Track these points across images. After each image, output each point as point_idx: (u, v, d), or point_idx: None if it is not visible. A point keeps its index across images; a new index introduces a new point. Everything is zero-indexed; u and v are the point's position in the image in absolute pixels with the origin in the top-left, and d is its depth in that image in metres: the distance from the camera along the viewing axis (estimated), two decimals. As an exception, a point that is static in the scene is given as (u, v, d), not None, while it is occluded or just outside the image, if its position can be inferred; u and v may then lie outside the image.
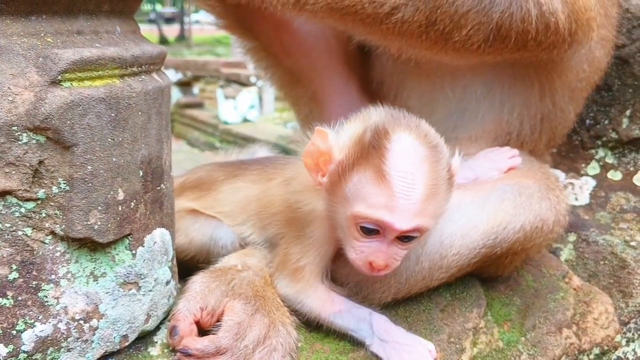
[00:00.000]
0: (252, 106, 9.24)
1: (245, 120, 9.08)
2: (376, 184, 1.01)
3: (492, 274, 1.44)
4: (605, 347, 1.48)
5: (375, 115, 1.10)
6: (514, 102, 1.48)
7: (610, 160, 1.88)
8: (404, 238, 1.06)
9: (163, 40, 20.60)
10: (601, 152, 1.89)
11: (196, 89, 10.98)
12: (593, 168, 1.89)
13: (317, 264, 1.18)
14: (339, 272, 1.23)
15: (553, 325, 1.42)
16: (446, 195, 1.08)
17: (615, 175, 1.87)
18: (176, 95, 10.29)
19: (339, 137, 1.10)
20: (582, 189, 1.87)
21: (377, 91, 1.66)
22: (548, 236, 1.36)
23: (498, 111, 1.49)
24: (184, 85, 10.78)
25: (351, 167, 1.05)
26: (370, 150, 1.03)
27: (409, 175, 1.01)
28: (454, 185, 1.11)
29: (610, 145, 1.87)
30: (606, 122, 1.87)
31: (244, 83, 9.53)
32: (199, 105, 10.31)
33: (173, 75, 10.32)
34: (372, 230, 1.04)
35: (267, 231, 1.28)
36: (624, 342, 1.58)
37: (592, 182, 1.87)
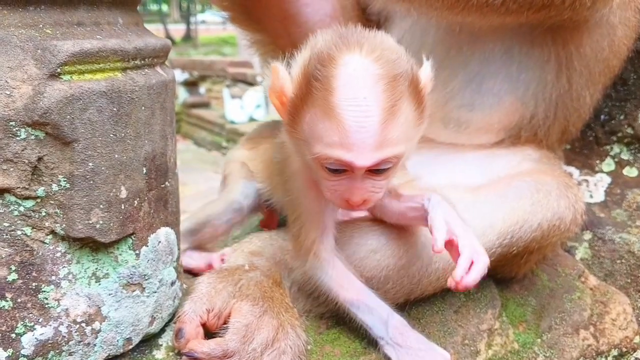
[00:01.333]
0: (258, 105, 9.21)
1: (252, 120, 9.04)
2: (327, 120, 0.91)
3: (507, 274, 1.40)
4: (624, 349, 1.44)
5: (321, 39, 0.97)
6: (530, 77, 1.42)
7: (625, 156, 1.83)
8: (377, 170, 0.96)
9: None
10: (616, 148, 1.84)
11: (202, 88, 10.96)
12: (608, 164, 1.84)
13: (323, 235, 1.12)
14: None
15: (570, 327, 1.38)
16: (414, 113, 0.95)
17: (631, 172, 1.81)
18: (183, 95, 10.28)
19: (291, 71, 0.99)
20: (596, 186, 1.82)
21: None
22: (564, 235, 1.32)
23: (514, 84, 1.43)
24: (191, 85, 10.76)
25: (301, 103, 0.95)
26: (315, 83, 0.92)
27: (360, 102, 0.89)
28: (425, 99, 0.98)
29: (625, 141, 1.82)
30: (621, 117, 1.82)
31: (250, 82, 9.50)
32: (205, 105, 10.30)
33: (179, 75, 10.29)
34: (338, 169, 0.95)
35: (277, 196, 1.27)
36: (642, 344, 1.53)
37: (607, 179, 1.82)
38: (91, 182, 0.91)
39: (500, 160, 1.41)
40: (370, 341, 1.17)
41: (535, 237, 1.23)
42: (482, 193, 1.24)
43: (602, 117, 1.85)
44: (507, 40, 1.41)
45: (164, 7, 33.11)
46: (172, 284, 1.11)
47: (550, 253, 1.47)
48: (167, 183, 1.07)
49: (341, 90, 0.89)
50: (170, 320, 1.14)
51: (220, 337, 1.03)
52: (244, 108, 9.16)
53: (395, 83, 0.90)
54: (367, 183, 0.97)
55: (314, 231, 1.11)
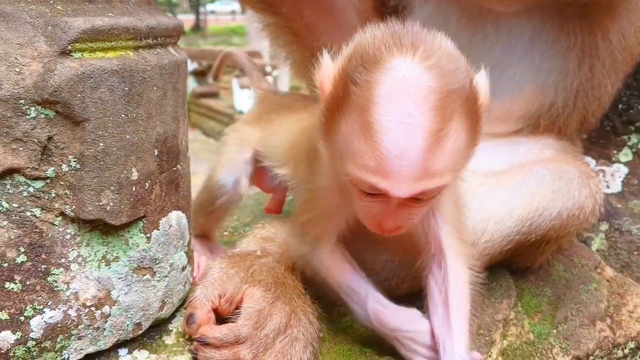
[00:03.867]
0: (267, 96, 9.17)
1: (261, 110, 9.02)
2: (363, 138, 0.78)
3: (523, 264, 1.37)
4: (641, 342, 1.41)
5: (370, 34, 0.83)
6: (552, 65, 1.39)
7: (643, 146, 1.80)
8: (416, 199, 0.83)
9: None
10: (634, 138, 1.80)
11: (211, 78, 10.94)
12: (625, 155, 1.81)
13: (332, 232, 1.05)
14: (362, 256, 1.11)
15: (586, 318, 1.35)
16: (466, 137, 0.81)
17: (649, 162, 1.78)
18: (191, 84, 10.25)
19: (333, 65, 0.86)
20: (613, 177, 1.79)
21: None
22: (582, 225, 1.29)
23: (536, 72, 1.40)
24: (200, 74, 10.74)
25: (337, 109, 0.82)
26: (353, 87, 0.78)
27: (403, 119, 0.74)
28: (482, 119, 0.84)
29: (643, 131, 1.79)
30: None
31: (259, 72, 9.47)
32: (214, 95, 10.29)
33: (188, 65, 10.26)
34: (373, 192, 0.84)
35: (297, 177, 1.18)
36: (659, 337, 1.50)
37: (625, 170, 1.79)
38: (102, 162, 0.89)
39: (521, 148, 1.38)
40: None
41: (554, 225, 1.20)
42: (502, 179, 1.21)
43: (620, 106, 1.81)
44: (532, 27, 1.37)
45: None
46: (183, 268, 1.09)
47: (566, 244, 1.44)
48: (178, 166, 1.05)
49: (383, 100, 0.76)
50: (180, 306, 1.12)
51: (232, 322, 1.01)
52: (253, 98, 9.13)
53: (448, 100, 0.77)
54: (403, 211, 0.86)
55: (324, 227, 1.05)
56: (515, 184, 1.22)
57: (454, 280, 1.02)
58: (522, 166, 1.27)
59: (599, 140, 1.85)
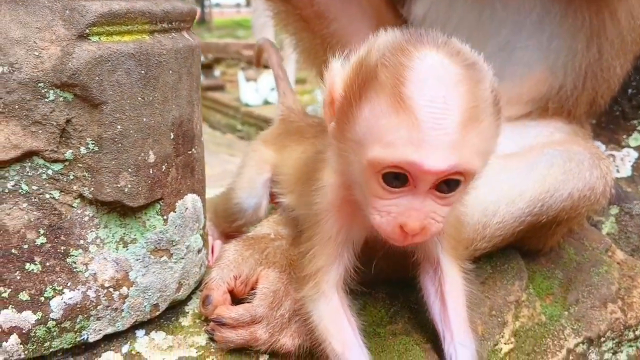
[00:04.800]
0: (273, 88, 9.16)
1: (267, 103, 9.01)
2: (394, 114, 0.75)
3: (534, 247, 1.38)
4: (652, 323, 1.42)
5: (384, 37, 0.84)
6: (561, 45, 1.38)
7: (653, 130, 1.80)
8: (443, 187, 0.80)
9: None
10: (644, 123, 1.81)
11: (217, 71, 10.94)
12: (635, 139, 1.81)
13: (332, 266, 0.97)
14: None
15: (597, 300, 1.36)
16: (492, 125, 0.81)
17: (658, 147, 1.79)
18: (197, 78, 10.23)
19: (343, 67, 0.86)
20: (623, 161, 1.79)
21: None
22: (593, 207, 1.29)
23: (544, 53, 1.39)
24: (205, 67, 10.72)
25: (358, 97, 0.80)
26: (381, 72, 0.78)
27: (439, 99, 0.74)
28: (502, 115, 0.84)
29: (653, 115, 1.79)
30: (649, 91, 1.79)
31: (265, 65, 9.46)
32: (220, 88, 10.27)
33: (194, 58, 10.24)
34: (398, 179, 0.79)
35: (299, 207, 1.14)
36: (670, 319, 1.51)
37: (634, 154, 1.79)
38: (119, 145, 0.90)
39: (531, 131, 1.38)
40: (396, 311, 1.16)
41: (565, 206, 1.21)
42: (513, 160, 1.22)
43: (630, 90, 1.81)
44: (541, 4, 1.37)
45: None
46: (199, 251, 1.10)
47: (577, 226, 1.44)
48: (193, 150, 1.06)
49: (416, 83, 0.75)
50: (196, 288, 1.13)
51: (248, 302, 1.02)
52: (259, 91, 9.12)
53: (477, 88, 0.78)
54: (428, 205, 0.80)
55: (324, 259, 0.96)
56: (526, 165, 1.22)
57: (450, 279, 1.02)
58: (533, 148, 1.28)
59: (608, 125, 1.85)
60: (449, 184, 0.79)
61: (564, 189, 1.20)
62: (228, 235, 1.34)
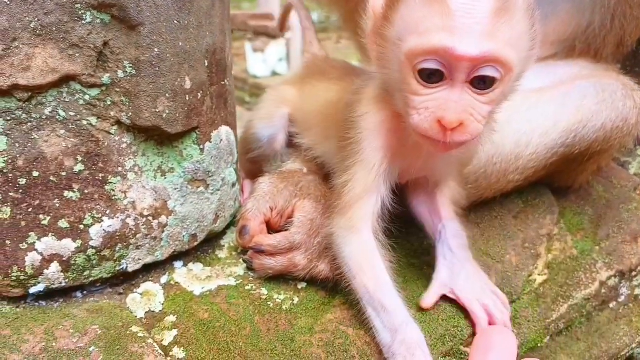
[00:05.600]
0: (280, 59, 9.11)
1: (275, 74, 8.96)
2: (427, 5, 0.78)
3: (564, 183, 1.37)
4: (682, 259, 1.41)
5: None
6: None
7: (680, 72, 1.77)
8: (479, 82, 0.80)
9: None
10: (670, 64, 1.78)
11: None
12: (660, 81, 1.79)
13: (369, 197, 0.95)
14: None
15: (628, 235, 1.35)
16: (525, 22, 0.81)
17: (686, 87, 1.76)
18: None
19: None
20: (648, 104, 1.77)
21: None
22: (625, 139, 1.27)
23: None
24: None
25: (394, 3, 0.84)
26: None
27: None
28: (536, 20, 0.84)
29: (681, 56, 1.76)
30: (677, 31, 1.75)
31: (272, 35, 9.38)
32: (227, 60, 10.22)
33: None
34: (434, 73, 0.80)
35: (325, 146, 1.13)
36: (699, 256, 1.50)
37: (660, 97, 1.77)
38: (157, 68, 0.89)
39: (560, 70, 1.36)
40: (430, 244, 1.16)
41: (598, 137, 1.20)
42: (546, 93, 1.20)
43: (656, 32, 1.78)
44: None
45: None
46: (233, 185, 1.10)
47: (606, 161, 1.43)
48: (226, 81, 1.06)
49: None
50: (231, 222, 1.13)
51: (285, 230, 1.02)
52: (267, 62, 9.06)
53: None
54: (465, 98, 0.80)
55: (363, 188, 0.95)
56: (558, 97, 1.21)
57: (442, 190, 1.06)
58: (564, 82, 1.26)
59: (634, 69, 1.83)
60: (485, 81, 0.80)
61: (597, 120, 1.18)
62: (254, 176, 1.34)
